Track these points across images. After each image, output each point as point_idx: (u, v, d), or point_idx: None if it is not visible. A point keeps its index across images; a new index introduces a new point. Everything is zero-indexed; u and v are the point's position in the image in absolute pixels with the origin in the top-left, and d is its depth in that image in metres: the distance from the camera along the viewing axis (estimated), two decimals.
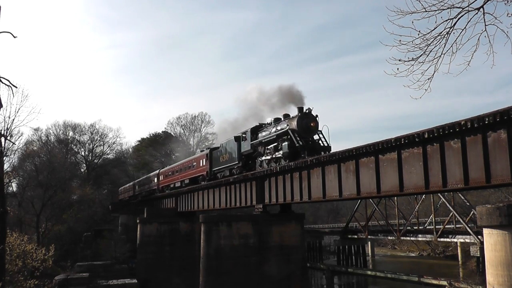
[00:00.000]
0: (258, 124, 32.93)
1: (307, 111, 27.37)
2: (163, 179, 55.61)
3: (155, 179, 58.96)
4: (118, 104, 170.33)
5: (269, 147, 29.65)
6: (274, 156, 28.75)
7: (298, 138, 26.34)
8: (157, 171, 59.48)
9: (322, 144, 27.31)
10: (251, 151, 31.94)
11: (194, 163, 43.99)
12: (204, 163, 41.05)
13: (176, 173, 50.07)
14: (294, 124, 27.16)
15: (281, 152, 27.83)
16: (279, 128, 28.76)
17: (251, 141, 31.81)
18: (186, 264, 45.91)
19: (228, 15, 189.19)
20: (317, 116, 27.39)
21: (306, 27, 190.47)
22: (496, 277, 16.93)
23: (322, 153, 25.83)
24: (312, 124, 27.11)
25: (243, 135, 33.11)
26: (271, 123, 30.74)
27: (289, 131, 27.05)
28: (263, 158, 30.37)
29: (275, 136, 28.93)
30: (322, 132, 27.73)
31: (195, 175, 43.26)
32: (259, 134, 31.45)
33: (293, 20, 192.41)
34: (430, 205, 44.32)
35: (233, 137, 34.43)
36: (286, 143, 26.97)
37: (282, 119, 29.64)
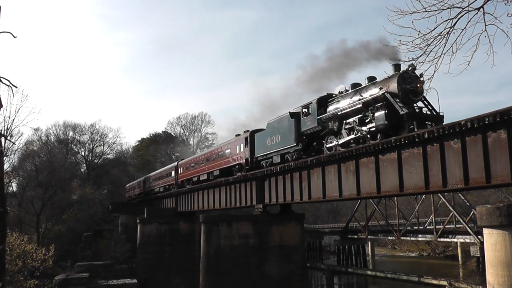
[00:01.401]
0: (326, 94, 25.75)
1: (409, 69, 19.98)
2: (183, 172, 48.64)
3: (172, 172, 52.31)
4: (118, 104, 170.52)
5: (349, 120, 22.94)
6: (358, 132, 22.37)
7: (401, 105, 19.78)
8: (175, 163, 53.20)
9: (430, 113, 20.66)
10: (318, 128, 25.14)
11: (227, 150, 37.16)
12: (241, 149, 34.43)
13: (201, 164, 43.21)
14: (393, 86, 20.49)
15: (371, 125, 21.35)
16: (366, 94, 21.98)
17: (318, 116, 24.99)
18: (186, 264, 45.93)
19: (229, 14, 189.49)
20: (421, 75, 19.43)
21: (306, 26, 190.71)
22: (496, 277, 16.95)
23: (433, 124, 19.70)
24: (418, 86, 20.31)
25: (304, 110, 26.30)
26: (347, 91, 24.13)
27: (388, 96, 20.32)
28: (338, 137, 23.95)
29: (360, 106, 21.93)
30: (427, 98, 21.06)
31: (228, 164, 36.53)
32: (330, 107, 24.59)
33: (294, 19, 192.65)
34: (430, 205, 44.32)
35: (287, 113, 27.91)
36: (382, 112, 20.39)
37: (366, 82, 22.79)
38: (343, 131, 23.43)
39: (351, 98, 23.15)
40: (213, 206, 38.76)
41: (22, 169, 63.59)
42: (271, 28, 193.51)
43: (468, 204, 41.80)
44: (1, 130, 27.48)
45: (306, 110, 26.13)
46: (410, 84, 19.97)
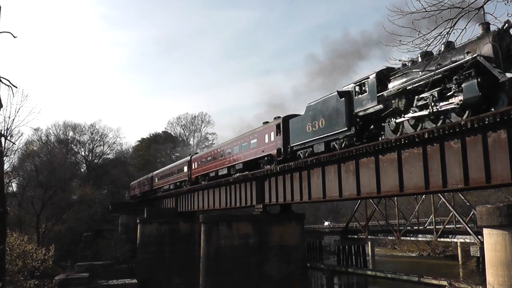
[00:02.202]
0: (385, 67, 20.77)
1: (505, 26, 15.80)
2: (198, 167, 44.36)
3: (185, 168, 48.20)
4: (118, 104, 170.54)
5: (423, 95, 18.54)
6: (435, 109, 18.08)
7: (499, 70, 15.46)
8: (187, 157, 49.01)
9: None
10: (378, 108, 20.66)
11: (253, 141, 33.03)
12: (271, 139, 30.21)
13: (220, 157, 38.82)
14: (486, 48, 15.95)
15: (457, 99, 17.12)
16: (447, 62, 17.38)
17: (378, 93, 20.53)
18: (186, 264, 45.97)
19: (229, 14, 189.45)
20: None
21: (307, 26, 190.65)
22: (496, 277, 16.94)
23: None
24: None
25: (357, 88, 21.79)
26: (413, 62, 19.72)
27: (481, 60, 15.69)
28: (407, 116, 19.44)
29: (439, 76, 17.47)
30: None
31: (255, 156, 32.31)
32: (394, 82, 20.25)
33: (294, 19, 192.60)
34: (430, 205, 44.32)
35: (334, 93, 23.58)
36: (473, 81, 16.16)
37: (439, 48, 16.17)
38: (413, 108, 19.16)
39: (423, 69, 18.87)
40: (213, 206, 38.78)
41: (22, 169, 63.60)
42: (271, 28, 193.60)
43: (468, 204, 41.81)
44: (1, 130, 27.48)
45: (360, 87, 21.64)
46: (508, 45, 15.85)
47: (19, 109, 29.39)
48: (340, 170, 23.61)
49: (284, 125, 28.77)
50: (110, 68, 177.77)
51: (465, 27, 8.97)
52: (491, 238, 17.42)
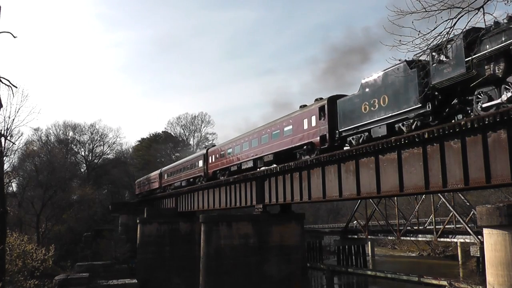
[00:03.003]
0: (471, 27, 12.93)
1: None
2: (216, 160, 40.14)
3: (200, 162, 44.02)
4: (118, 104, 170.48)
5: None
6: None
7: None
8: (203, 151, 45.65)
9: None
10: (467, 76, 16.33)
11: (287, 128, 28.76)
12: (314, 123, 25.96)
13: (244, 148, 34.49)
14: None
15: None
16: None
17: (466, 57, 16.20)
18: (186, 264, 45.96)
19: (228, 14, 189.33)
20: None
21: (306, 26, 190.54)
22: (496, 277, 16.93)
23: None
24: None
25: (434, 54, 17.24)
26: None
27: None
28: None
29: None
30: None
31: (292, 145, 28.03)
32: (489, 44, 15.81)
33: (293, 19, 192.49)
34: (430, 205, 44.30)
35: (400, 63, 18.43)
36: None
37: None
38: None
39: None
40: (213, 206, 38.79)
41: (22, 169, 63.56)
42: (270, 28, 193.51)
43: (468, 204, 41.79)
44: (1, 130, 27.48)
45: (440, 52, 16.97)
46: None
47: (19, 109, 29.41)
48: (340, 170, 23.63)
49: (330, 107, 24.33)
50: (110, 68, 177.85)
51: (465, 27, 8.97)
52: (491, 238, 17.41)
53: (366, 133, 21.84)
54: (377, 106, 20.89)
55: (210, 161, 41.43)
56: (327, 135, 24.60)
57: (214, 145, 43.27)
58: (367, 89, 21.76)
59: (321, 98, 26.50)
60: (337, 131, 23.95)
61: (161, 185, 57.93)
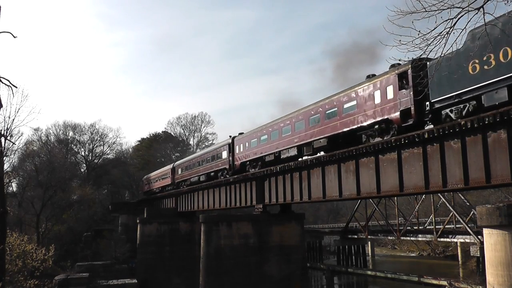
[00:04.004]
0: None
1: None
2: (245, 150, 34.82)
3: (224, 153, 38.79)
4: (118, 104, 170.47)
5: None
6: None
7: None
8: (227, 139, 38.88)
9: None
10: None
11: (349, 103, 23.51)
12: (390, 95, 20.96)
13: (285, 134, 29.31)
14: None
15: None
16: None
17: None
18: (186, 264, 45.98)
19: (228, 13, 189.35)
20: None
21: (306, 26, 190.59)
22: (496, 277, 16.94)
23: None
24: None
25: None
26: None
27: None
28: None
29: None
30: None
31: (358, 125, 22.83)
32: None
33: (293, 19, 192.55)
34: (430, 205, 44.30)
35: None
36: None
37: None
38: None
39: None
40: (213, 206, 38.79)
41: (22, 169, 63.58)
42: (270, 27, 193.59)
43: (468, 204, 41.80)
44: (1, 130, 27.47)
45: None
46: None
47: (19, 109, 29.35)
48: (340, 170, 23.65)
49: (416, 71, 19.13)
50: (110, 68, 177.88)
51: (465, 27, 8.97)
52: (491, 238, 17.42)
53: (474, 102, 17.10)
54: (493, 63, 15.95)
55: (237, 151, 36.08)
56: (412, 108, 19.43)
57: (242, 133, 37.19)
58: (478, 41, 15.95)
59: (398, 64, 19.30)
60: (427, 103, 18.86)
61: (174, 181, 53.19)
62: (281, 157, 29.62)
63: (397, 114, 20.31)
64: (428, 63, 17.66)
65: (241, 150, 35.54)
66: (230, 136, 38.14)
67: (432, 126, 18.80)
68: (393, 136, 20.41)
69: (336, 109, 24.48)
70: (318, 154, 26.03)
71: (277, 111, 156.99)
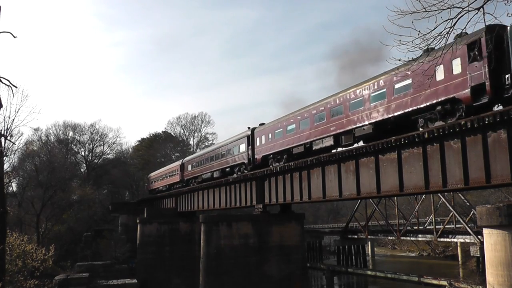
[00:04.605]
0: None
1: None
2: (268, 142, 31.85)
3: (242, 146, 35.57)
4: (118, 104, 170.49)
5: None
6: None
7: None
8: (245, 131, 35.46)
9: None
10: None
11: (402, 83, 20.36)
12: (459, 69, 17.87)
13: (317, 123, 26.18)
14: None
15: None
16: None
17: None
18: (186, 264, 45.99)
19: (228, 13, 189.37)
20: None
21: (307, 25, 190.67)
22: (496, 277, 16.94)
23: None
24: None
25: None
26: None
27: None
28: None
29: None
30: None
31: (413, 107, 19.77)
32: None
33: (293, 18, 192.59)
34: (430, 205, 44.33)
35: None
36: None
37: None
38: None
39: None
40: (213, 206, 38.78)
41: (22, 169, 63.61)
42: (270, 27, 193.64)
43: (468, 204, 41.82)
44: (1, 130, 27.46)
45: None
46: None
47: (19, 109, 29.30)
48: (340, 170, 23.65)
49: (492, 40, 15.17)
50: (110, 68, 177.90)
51: (465, 27, 8.97)
52: (491, 238, 17.42)
53: None
54: None
55: (257, 144, 33.03)
56: (487, 83, 16.35)
57: (262, 124, 33.95)
58: None
59: (459, 35, 15.14)
60: (507, 76, 15.88)
61: (183, 178, 50.01)
62: (313, 149, 26.24)
63: (467, 91, 17.14)
64: (508, 27, 15.45)
65: (263, 142, 32.45)
66: (249, 128, 35.03)
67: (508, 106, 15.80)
68: (460, 118, 17.58)
69: (384, 90, 21.24)
70: (356, 145, 23.09)
71: (278, 111, 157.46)
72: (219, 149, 40.71)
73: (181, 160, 53.70)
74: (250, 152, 34.10)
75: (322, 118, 25.81)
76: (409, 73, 17.77)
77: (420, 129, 19.25)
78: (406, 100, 20.03)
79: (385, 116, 21.15)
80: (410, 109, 19.80)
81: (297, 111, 29.07)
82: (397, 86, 20.56)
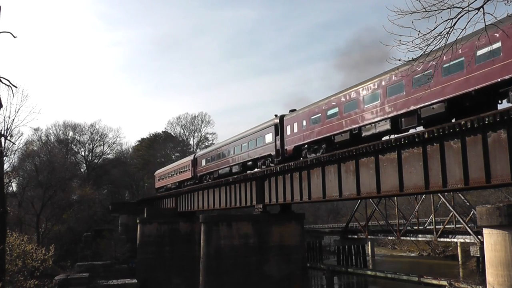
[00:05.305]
0: None
1: None
2: (300, 131, 28.14)
3: (268, 136, 31.95)
4: (118, 104, 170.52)
5: None
6: None
7: None
8: (273, 119, 31.99)
9: None
10: None
11: (461, 58, 17.56)
12: None
13: (370, 102, 22.40)
14: None
15: None
16: None
17: None
18: (186, 264, 46.00)
19: (229, 13, 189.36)
20: None
21: (307, 25, 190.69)
22: (496, 277, 16.95)
23: None
24: None
25: None
26: None
27: None
28: None
29: None
30: None
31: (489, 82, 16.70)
32: None
33: (294, 18, 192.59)
34: (430, 205, 44.32)
35: None
36: None
37: None
38: None
39: None
40: (213, 206, 38.78)
41: (22, 169, 63.62)
42: (271, 27, 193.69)
43: (468, 204, 41.82)
44: (1, 130, 27.46)
45: None
46: None
47: (19, 109, 29.29)
48: (340, 170, 23.64)
49: None
50: (110, 68, 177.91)
51: (465, 27, 8.96)
52: (491, 238, 17.43)
53: None
54: None
55: (288, 133, 29.70)
56: None
57: (293, 110, 30.63)
58: None
59: None
60: None
61: (196, 175, 46.56)
62: (363, 135, 22.72)
63: None
64: None
65: (295, 131, 28.76)
66: (276, 115, 31.82)
67: None
68: None
69: (462, 59, 17.47)
70: (416, 130, 19.99)
71: (279, 110, 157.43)
72: (239, 141, 36.79)
73: (192, 155, 50.49)
74: (278, 142, 30.60)
75: (375, 98, 21.88)
76: (497, 35, 15.54)
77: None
78: (495, 68, 16.35)
79: (463, 91, 17.43)
80: (499, 79, 16.10)
81: (340, 92, 24.80)
82: (480, 52, 16.87)
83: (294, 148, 28.72)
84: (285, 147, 29.67)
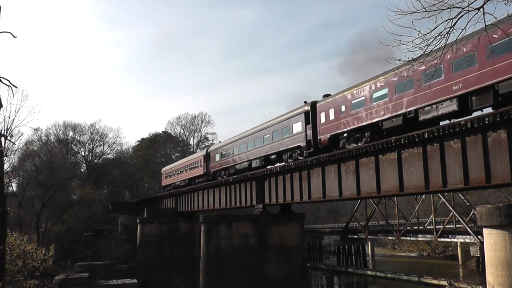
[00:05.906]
0: None
1: None
2: (343, 115, 24.60)
3: (295, 126, 29.06)
4: (118, 104, 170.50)
5: None
6: None
7: None
8: (303, 107, 28.68)
9: None
10: None
11: None
12: None
13: (430, 81, 17.86)
14: None
15: None
16: None
17: None
18: (186, 264, 46.00)
19: (229, 12, 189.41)
20: None
21: (308, 25, 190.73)
22: (496, 277, 16.94)
23: None
24: None
25: None
26: None
27: None
28: None
29: None
30: None
31: None
32: None
33: (295, 17, 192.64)
34: (430, 205, 44.33)
35: None
36: None
37: None
38: None
39: None
40: (213, 206, 38.79)
41: (22, 169, 63.58)
42: (271, 27, 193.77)
43: (468, 204, 41.83)
44: (1, 130, 27.46)
45: None
46: None
47: (19, 109, 29.30)
48: (340, 170, 23.64)
49: None
50: (110, 68, 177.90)
51: (465, 27, 8.96)
52: (491, 238, 17.42)
53: None
54: None
55: (322, 121, 26.30)
56: None
57: (328, 95, 27.37)
58: None
59: None
60: None
61: (209, 171, 43.30)
62: (420, 119, 19.52)
63: None
64: None
65: (331, 118, 25.44)
66: (305, 102, 28.61)
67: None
68: None
69: None
70: (480, 113, 17.32)
71: (279, 110, 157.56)
72: (259, 133, 33.32)
73: (204, 150, 46.98)
74: (309, 132, 27.23)
75: (437, 74, 17.89)
76: None
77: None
78: None
79: None
80: None
81: (391, 70, 19.97)
82: None
83: (330, 137, 25.39)
84: (319, 137, 26.29)
